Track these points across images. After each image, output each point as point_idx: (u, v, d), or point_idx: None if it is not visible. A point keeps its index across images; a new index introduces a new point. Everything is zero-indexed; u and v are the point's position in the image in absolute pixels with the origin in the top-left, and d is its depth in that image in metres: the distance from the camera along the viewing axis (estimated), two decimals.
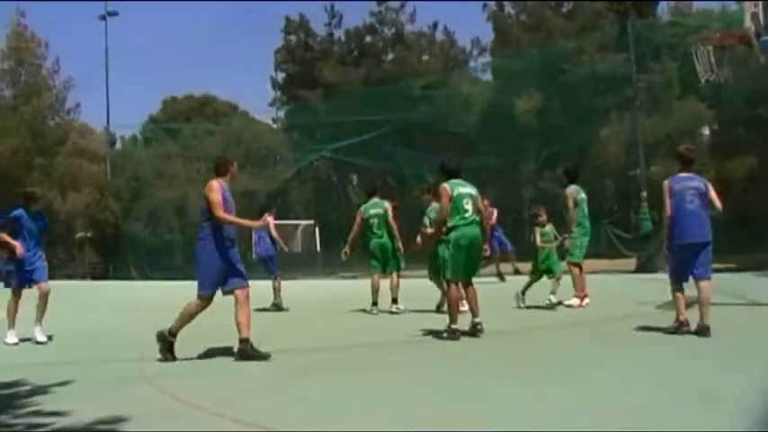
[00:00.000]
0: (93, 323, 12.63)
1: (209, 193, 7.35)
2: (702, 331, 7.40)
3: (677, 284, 7.77)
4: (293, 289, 18.42)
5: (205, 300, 7.36)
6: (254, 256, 14.12)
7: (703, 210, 7.80)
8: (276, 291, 13.11)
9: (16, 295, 9.38)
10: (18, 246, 9.04)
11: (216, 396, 5.70)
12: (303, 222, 36.45)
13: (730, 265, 17.56)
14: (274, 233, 13.66)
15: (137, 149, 39.35)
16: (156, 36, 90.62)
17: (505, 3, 37.44)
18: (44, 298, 9.27)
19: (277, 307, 12.93)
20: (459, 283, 8.17)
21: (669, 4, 34.51)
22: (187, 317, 7.44)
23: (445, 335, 8.08)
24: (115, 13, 37.94)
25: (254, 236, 14.15)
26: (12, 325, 9.23)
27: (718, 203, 7.92)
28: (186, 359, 7.54)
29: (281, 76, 44.75)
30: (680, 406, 4.80)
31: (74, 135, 41.03)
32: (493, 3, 37.30)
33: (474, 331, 8.11)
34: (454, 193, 8.13)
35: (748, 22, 10.35)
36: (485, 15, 37.26)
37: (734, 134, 27.35)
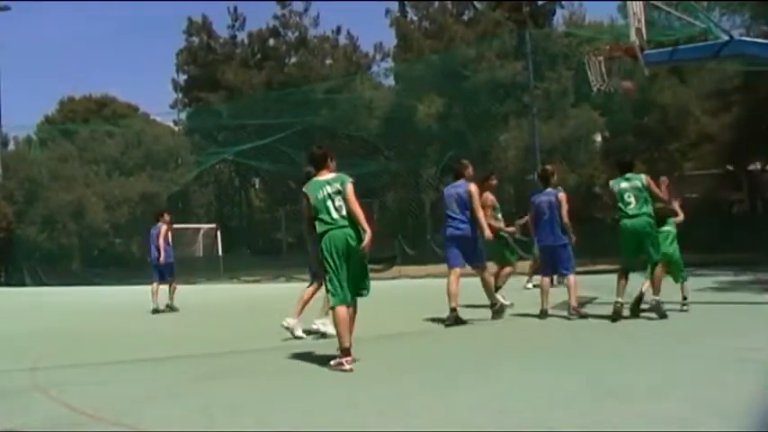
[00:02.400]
0: None
1: None
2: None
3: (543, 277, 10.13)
4: (194, 294, 18.20)
5: None
6: (158, 260, 13.86)
7: (555, 219, 9.79)
8: (171, 293, 13.45)
9: None
10: None
11: (114, 404, 5.61)
12: (205, 226, 35.96)
13: (616, 266, 18.34)
14: (161, 241, 13.56)
15: (31, 151, 37.86)
16: (53, 34, 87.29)
17: (408, 8, 37.92)
18: None
19: (170, 308, 13.32)
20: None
21: (564, 16, 35.74)
22: None
23: None
24: (7, 8, 36.47)
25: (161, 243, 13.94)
26: None
27: (565, 218, 9.86)
28: (81, 366, 7.40)
29: (182, 77, 43.99)
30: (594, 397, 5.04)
31: None
32: (396, 9, 37.77)
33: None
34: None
35: (633, 37, 10.89)
36: (388, 21, 37.66)
37: (623, 141, 28.53)
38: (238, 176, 41.29)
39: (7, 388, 6.44)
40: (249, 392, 5.88)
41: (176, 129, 41.51)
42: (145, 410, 5.40)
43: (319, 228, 6.76)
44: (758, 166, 27.72)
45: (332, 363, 6.61)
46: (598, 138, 30.70)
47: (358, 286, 6.87)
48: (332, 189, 6.78)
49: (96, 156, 35.60)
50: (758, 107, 23.44)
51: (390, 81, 37.31)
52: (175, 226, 33.07)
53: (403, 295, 15.20)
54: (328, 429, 4.68)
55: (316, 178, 6.98)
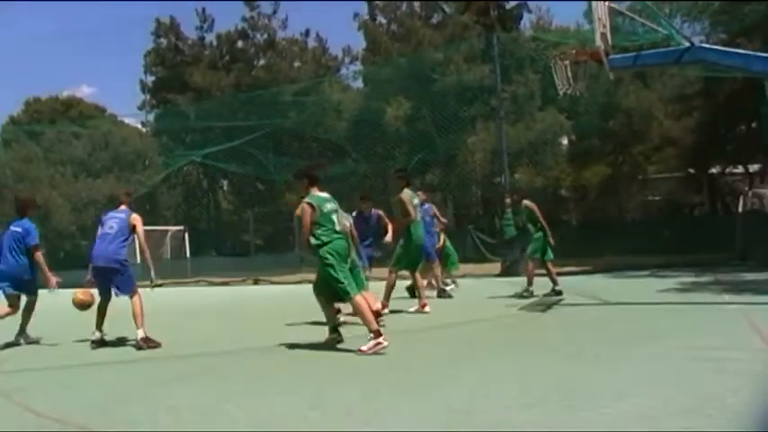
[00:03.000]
0: None
1: None
2: None
3: None
4: (161, 296, 18.03)
5: None
6: None
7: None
8: None
9: None
10: None
11: (81, 408, 5.57)
12: (172, 228, 35.70)
13: (586, 267, 18.64)
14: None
15: None
16: (19, 33, 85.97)
17: (377, 12, 38.00)
18: None
19: None
20: None
21: (531, 20, 36.09)
22: None
23: None
24: None
25: None
26: None
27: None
28: (45, 369, 7.35)
29: (150, 79, 43.66)
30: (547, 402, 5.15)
31: None
32: (365, 12, 37.85)
33: None
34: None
35: (599, 41, 11.08)
36: (356, 24, 37.73)
37: (589, 144, 28.93)
38: (206, 178, 41.08)
39: None
40: (217, 395, 5.86)
41: (144, 130, 41.23)
42: (112, 413, 5.36)
43: (325, 236, 7.72)
44: (718, 169, 28.25)
45: (365, 348, 7.28)
46: (564, 141, 31.10)
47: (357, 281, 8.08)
48: (334, 205, 7.95)
49: (62, 157, 35.23)
50: (718, 112, 23.96)
51: (359, 84, 37.51)
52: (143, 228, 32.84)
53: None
54: (295, 430, 4.72)
55: (317, 194, 7.91)
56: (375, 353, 7.18)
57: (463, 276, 17.73)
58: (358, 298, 7.59)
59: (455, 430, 4.55)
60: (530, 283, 12.90)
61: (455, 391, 5.54)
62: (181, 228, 35.49)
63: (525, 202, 13.21)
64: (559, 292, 12.58)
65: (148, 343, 8.53)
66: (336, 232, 7.76)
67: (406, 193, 11.07)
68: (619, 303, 11.46)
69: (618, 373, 5.96)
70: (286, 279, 22.79)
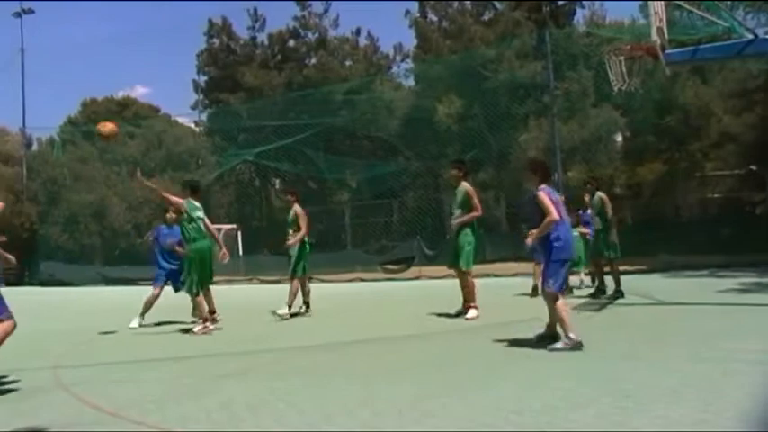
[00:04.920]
0: None
1: None
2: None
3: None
4: (214, 294, 18.22)
5: None
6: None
7: None
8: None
9: None
10: None
11: (136, 403, 5.65)
12: (225, 227, 36.08)
13: (641, 266, 18.28)
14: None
15: (54, 152, 38.24)
16: (75, 35, 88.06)
17: (428, 9, 37.87)
18: None
19: None
20: None
21: (584, 15, 35.57)
22: None
23: None
24: (31, 11, 36.87)
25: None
26: None
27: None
28: (104, 364, 7.46)
29: (203, 79, 44.22)
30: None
31: None
32: (415, 10, 37.76)
33: None
34: None
35: (654, 36, 10.81)
36: (407, 22, 37.65)
37: (644, 141, 28.38)
38: (258, 177, 41.40)
39: (32, 387, 6.51)
40: (269, 391, 5.90)
41: (197, 130, 41.75)
42: (166, 409, 5.43)
43: None
44: None
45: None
46: (619, 138, 30.56)
47: None
48: None
49: (117, 157, 35.90)
50: None
51: (410, 82, 37.38)
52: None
53: (422, 296, 15.18)
54: (346, 429, 4.70)
55: None
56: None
57: (515, 275, 17.53)
58: None
59: (505, 430, 4.48)
60: (600, 281, 12.77)
61: (506, 390, 5.47)
62: (233, 226, 35.85)
63: (599, 193, 12.90)
64: (604, 292, 12.40)
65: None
66: None
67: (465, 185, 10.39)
68: (675, 303, 11.19)
69: (672, 374, 5.81)
70: (339, 277, 22.84)
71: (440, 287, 15.84)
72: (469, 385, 5.79)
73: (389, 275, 22.31)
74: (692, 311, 10.23)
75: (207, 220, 10.54)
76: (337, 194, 38.33)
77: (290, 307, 11.65)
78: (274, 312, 11.71)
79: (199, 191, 10.62)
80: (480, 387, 5.68)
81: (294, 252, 11.76)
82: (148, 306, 11.43)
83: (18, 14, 36.38)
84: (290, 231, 11.92)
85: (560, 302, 7.32)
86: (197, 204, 10.33)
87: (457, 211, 10.21)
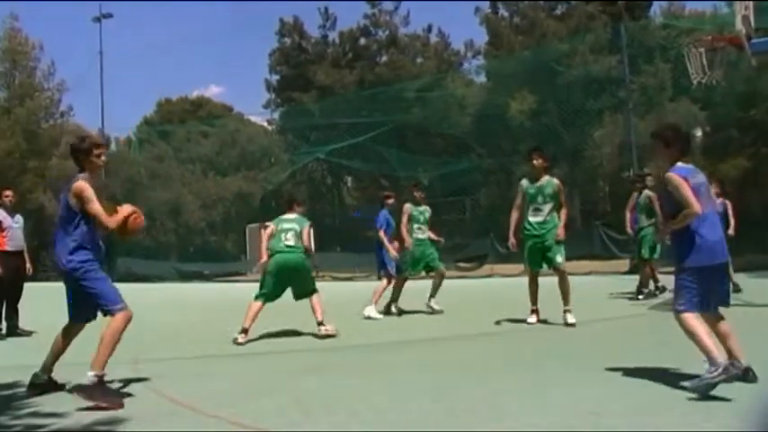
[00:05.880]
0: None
1: None
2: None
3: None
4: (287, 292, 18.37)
5: None
6: None
7: None
8: None
9: None
10: None
11: (212, 397, 5.71)
12: None
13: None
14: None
15: (131, 151, 39.30)
16: (150, 37, 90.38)
17: (499, 5, 37.52)
18: None
19: None
20: None
21: (662, 6, 34.68)
22: None
23: None
24: (110, 15, 37.86)
25: None
26: None
27: None
28: (180, 359, 7.57)
29: (275, 78, 44.76)
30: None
31: (68, 137, 40.95)
32: (486, 5, 37.45)
33: None
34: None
35: (739, 25, 10.38)
36: (478, 18, 37.38)
37: (727, 136, 27.46)
38: (331, 175, 41.69)
39: (114, 378, 6.63)
40: (340, 388, 5.91)
41: (270, 128, 42.30)
42: (239, 404, 5.46)
43: None
44: None
45: None
46: (698, 133, 29.64)
47: None
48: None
49: (192, 155, 36.68)
50: None
51: (482, 78, 37.11)
52: (268, 224, 33.81)
53: (495, 294, 15.02)
54: (421, 427, 4.65)
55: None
56: None
57: (589, 273, 17.19)
58: None
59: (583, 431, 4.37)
60: (655, 280, 12.40)
61: (584, 391, 5.33)
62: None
63: (647, 191, 12.51)
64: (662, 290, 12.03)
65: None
66: None
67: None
68: (763, 305, 10.73)
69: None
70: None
71: (512, 286, 15.62)
72: (546, 385, 5.67)
73: (462, 273, 22.16)
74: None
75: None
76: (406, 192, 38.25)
77: (394, 303, 11.59)
78: (389, 311, 11.60)
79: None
80: (557, 388, 5.55)
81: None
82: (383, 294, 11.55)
83: (97, 19, 37.39)
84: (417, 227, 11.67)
85: (690, 321, 5.30)
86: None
87: (546, 207, 9.48)
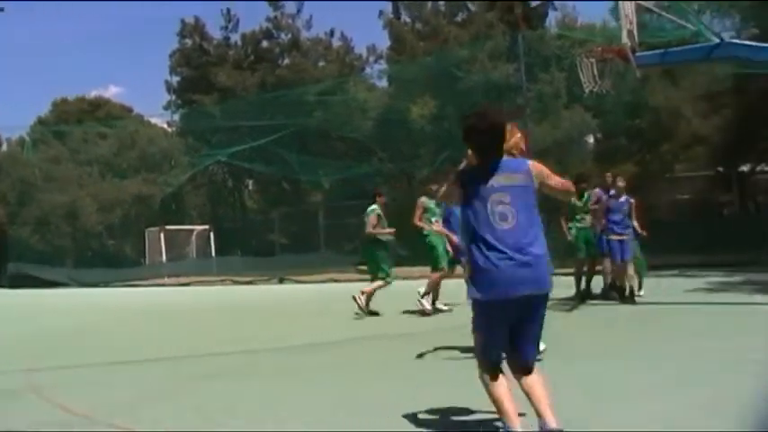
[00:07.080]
0: None
1: None
2: None
3: None
4: (186, 295, 18.16)
5: None
6: None
7: None
8: None
9: None
10: None
11: (108, 405, 5.63)
12: (198, 227, 35.96)
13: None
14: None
15: (24, 152, 37.82)
16: (46, 34, 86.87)
17: (402, 11, 37.87)
18: None
19: None
20: None
21: (557, 17, 35.78)
22: None
23: None
24: (1, 9, 36.38)
25: None
26: None
27: None
28: (79, 366, 7.41)
29: (175, 79, 43.86)
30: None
31: None
32: (389, 10, 37.74)
33: None
34: None
35: (625, 39, 10.95)
36: (381, 23, 37.63)
37: (616, 143, 28.64)
38: (232, 178, 41.26)
39: (3, 389, 6.45)
40: (243, 393, 5.91)
41: (170, 130, 41.49)
42: (138, 411, 5.41)
43: None
44: (748, 167, 27.83)
45: None
46: (591, 139, 30.82)
47: None
48: None
49: (89, 157, 35.64)
50: (748, 109, 23.58)
51: (384, 83, 37.37)
52: (168, 227, 33.34)
53: (401, 297, 15.19)
54: (322, 429, 4.71)
55: None
56: None
57: None
58: None
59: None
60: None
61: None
62: (206, 227, 35.72)
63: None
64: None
65: None
66: None
67: None
68: (647, 303, 11.29)
69: (654, 372, 5.88)
70: (312, 278, 22.81)
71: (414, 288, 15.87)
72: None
73: (363, 276, 22.19)
74: (665, 310, 10.38)
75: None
76: (311, 195, 38.26)
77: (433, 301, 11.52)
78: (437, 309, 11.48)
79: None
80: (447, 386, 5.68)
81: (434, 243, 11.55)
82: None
83: None
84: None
85: None
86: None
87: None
